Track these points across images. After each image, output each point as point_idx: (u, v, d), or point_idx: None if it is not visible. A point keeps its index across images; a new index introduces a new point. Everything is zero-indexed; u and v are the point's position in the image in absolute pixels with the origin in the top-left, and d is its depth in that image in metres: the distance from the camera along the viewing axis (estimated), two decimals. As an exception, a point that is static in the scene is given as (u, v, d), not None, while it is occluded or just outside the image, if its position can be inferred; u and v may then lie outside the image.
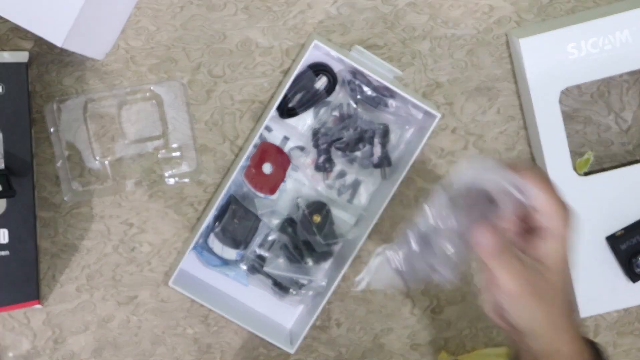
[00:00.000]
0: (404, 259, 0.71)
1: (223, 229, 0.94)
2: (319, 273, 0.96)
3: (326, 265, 0.98)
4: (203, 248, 0.95)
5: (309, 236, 0.94)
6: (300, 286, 0.95)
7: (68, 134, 0.94)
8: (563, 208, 0.71)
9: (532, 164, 0.72)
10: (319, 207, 0.95)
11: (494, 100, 0.97)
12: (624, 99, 0.99)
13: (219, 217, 0.94)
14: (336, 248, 0.97)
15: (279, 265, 0.95)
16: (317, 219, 0.94)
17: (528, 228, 0.72)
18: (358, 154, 0.94)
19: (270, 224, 0.96)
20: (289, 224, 0.95)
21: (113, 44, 0.93)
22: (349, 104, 0.94)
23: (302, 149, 0.96)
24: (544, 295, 0.70)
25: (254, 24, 0.94)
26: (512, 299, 0.69)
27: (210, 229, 0.94)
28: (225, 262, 0.96)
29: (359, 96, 0.93)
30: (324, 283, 0.95)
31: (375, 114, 0.94)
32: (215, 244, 0.94)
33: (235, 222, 0.94)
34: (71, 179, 0.94)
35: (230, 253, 0.95)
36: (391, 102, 0.93)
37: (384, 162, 0.95)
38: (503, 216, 0.69)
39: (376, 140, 0.94)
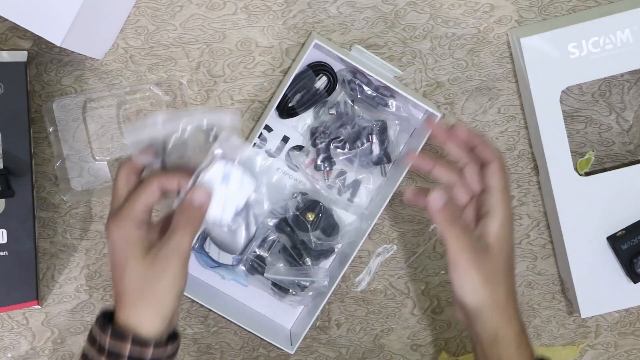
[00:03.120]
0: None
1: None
2: (320, 272, 0.95)
3: (327, 263, 0.97)
4: (200, 252, 0.95)
5: (304, 234, 0.94)
6: (302, 288, 0.95)
7: (67, 133, 0.93)
8: (509, 194, 0.78)
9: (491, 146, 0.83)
10: (312, 205, 0.94)
11: (495, 100, 0.97)
12: (625, 98, 0.99)
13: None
14: (337, 245, 0.97)
15: (279, 270, 0.94)
16: (310, 216, 0.94)
17: (477, 214, 0.79)
18: (357, 151, 0.94)
19: (268, 224, 0.95)
20: (286, 223, 0.95)
21: (112, 43, 0.93)
22: (345, 102, 0.94)
23: (301, 148, 0.96)
24: (490, 276, 0.75)
25: (253, 24, 0.94)
26: (458, 270, 0.75)
27: (207, 233, 0.94)
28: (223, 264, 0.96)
29: (359, 96, 0.93)
30: (325, 282, 0.94)
31: (375, 113, 0.94)
32: (212, 248, 0.94)
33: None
34: (70, 179, 0.94)
35: (227, 258, 0.95)
36: (391, 102, 0.93)
37: (383, 159, 0.94)
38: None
39: (374, 137, 0.94)
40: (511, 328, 0.78)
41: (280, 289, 0.95)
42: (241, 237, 0.78)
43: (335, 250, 0.97)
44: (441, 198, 0.75)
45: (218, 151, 0.75)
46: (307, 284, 0.95)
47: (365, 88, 0.92)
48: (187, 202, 0.74)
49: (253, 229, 0.78)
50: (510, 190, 0.80)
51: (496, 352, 0.78)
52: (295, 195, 0.95)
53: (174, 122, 0.75)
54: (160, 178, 0.75)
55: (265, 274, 0.94)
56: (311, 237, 0.94)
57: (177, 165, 0.77)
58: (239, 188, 0.76)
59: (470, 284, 0.76)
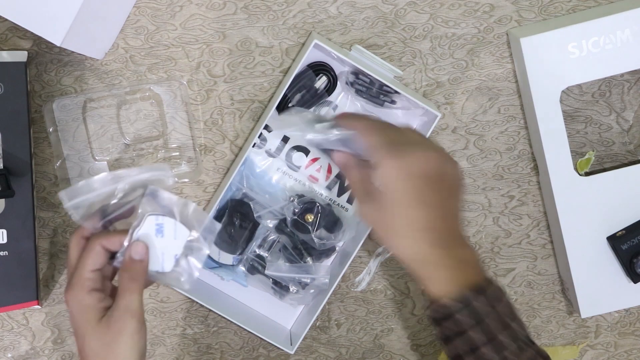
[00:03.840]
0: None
1: (220, 235, 0.93)
2: (321, 270, 0.95)
3: (328, 261, 0.97)
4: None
5: (304, 235, 0.94)
6: (303, 285, 0.95)
7: (67, 133, 0.93)
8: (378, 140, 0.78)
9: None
10: (309, 206, 0.94)
11: (495, 100, 0.97)
12: (625, 98, 0.99)
13: (215, 222, 0.94)
14: (339, 243, 0.97)
15: (280, 267, 0.94)
16: (310, 218, 0.93)
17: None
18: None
19: (268, 224, 0.95)
20: (285, 224, 0.95)
21: (112, 43, 0.93)
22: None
23: (301, 148, 0.95)
24: (380, 218, 0.78)
25: (253, 24, 0.94)
26: (360, 215, 0.81)
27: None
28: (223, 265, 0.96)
29: (364, 96, 0.93)
30: (326, 280, 0.94)
31: (382, 111, 0.94)
32: (212, 248, 0.94)
33: (232, 227, 0.93)
34: (70, 179, 0.94)
35: (227, 258, 0.95)
36: (397, 98, 0.92)
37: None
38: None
39: None
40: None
41: (281, 287, 0.95)
42: (186, 284, 0.79)
43: (337, 248, 0.97)
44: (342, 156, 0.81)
45: (143, 210, 0.77)
46: (308, 281, 0.95)
47: (369, 87, 0.92)
48: (127, 259, 0.76)
49: (196, 273, 0.79)
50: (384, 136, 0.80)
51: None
52: (291, 199, 0.95)
53: (110, 184, 0.76)
54: (101, 239, 0.76)
55: (266, 271, 0.94)
56: (314, 238, 0.93)
57: (122, 224, 0.78)
58: (174, 238, 0.77)
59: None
